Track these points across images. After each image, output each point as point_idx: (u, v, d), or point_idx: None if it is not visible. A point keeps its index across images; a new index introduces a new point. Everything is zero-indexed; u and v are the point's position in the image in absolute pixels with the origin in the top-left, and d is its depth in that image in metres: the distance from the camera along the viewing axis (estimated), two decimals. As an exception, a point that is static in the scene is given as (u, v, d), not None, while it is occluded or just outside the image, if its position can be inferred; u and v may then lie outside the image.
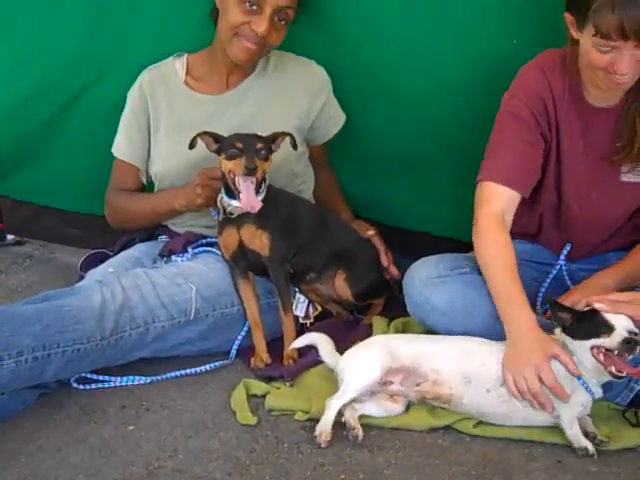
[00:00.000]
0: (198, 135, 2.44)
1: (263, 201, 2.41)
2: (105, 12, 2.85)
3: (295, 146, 2.52)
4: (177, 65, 2.80)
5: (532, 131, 2.34)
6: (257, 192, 2.39)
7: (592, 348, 2.09)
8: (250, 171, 2.31)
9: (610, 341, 2.06)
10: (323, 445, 2.11)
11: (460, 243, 2.63)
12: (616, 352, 2.06)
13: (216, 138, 2.43)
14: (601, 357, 2.08)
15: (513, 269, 2.24)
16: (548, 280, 2.56)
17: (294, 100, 2.74)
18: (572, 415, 2.10)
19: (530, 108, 2.33)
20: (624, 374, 2.07)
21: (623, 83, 2.18)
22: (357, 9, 2.68)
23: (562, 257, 2.55)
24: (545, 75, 2.34)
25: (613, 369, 2.07)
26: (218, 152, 2.42)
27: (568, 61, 2.30)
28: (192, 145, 2.44)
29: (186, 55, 2.82)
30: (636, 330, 2.07)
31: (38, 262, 3.54)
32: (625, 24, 2.01)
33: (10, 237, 3.74)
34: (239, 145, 2.36)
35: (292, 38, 2.71)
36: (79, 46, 2.94)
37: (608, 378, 2.12)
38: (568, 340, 2.15)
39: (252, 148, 2.35)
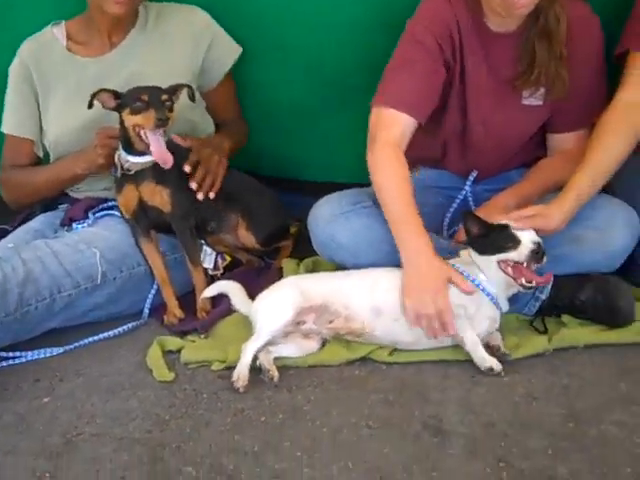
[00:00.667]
0: (96, 93, 2.37)
1: None
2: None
3: (193, 98, 2.47)
4: (56, 32, 2.71)
5: (434, 59, 2.33)
6: None
7: (499, 262, 2.14)
8: (162, 122, 2.28)
9: (518, 254, 2.12)
10: (241, 390, 2.11)
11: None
12: (524, 264, 2.11)
13: (116, 94, 2.37)
14: (509, 270, 2.13)
15: (410, 198, 2.23)
16: (454, 205, 2.59)
17: (178, 49, 2.68)
18: (474, 338, 2.13)
19: (434, 35, 2.32)
20: (533, 284, 2.13)
21: (521, 7, 2.17)
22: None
23: (468, 184, 2.57)
24: (450, 3, 2.34)
25: (523, 280, 2.12)
26: (118, 108, 2.37)
27: None
28: (90, 105, 2.37)
29: (64, 22, 2.73)
30: (539, 240, 2.13)
31: None
32: None
33: None
34: (144, 98, 2.31)
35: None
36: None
37: (515, 290, 2.18)
38: (476, 257, 2.19)
39: (158, 100, 2.31)
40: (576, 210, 2.22)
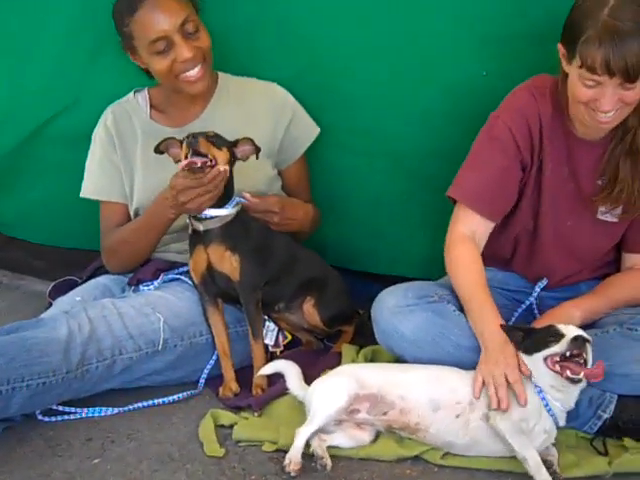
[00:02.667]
0: (166, 139, 2.44)
1: (233, 223, 2.42)
2: (73, 44, 2.83)
3: (257, 154, 2.44)
4: (140, 99, 2.77)
5: (510, 157, 2.32)
6: (225, 199, 2.40)
7: (545, 359, 2.11)
8: (190, 142, 2.28)
9: (560, 346, 2.09)
10: (293, 474, 2.08)
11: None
12: (568, 354, 2.07)
13: (180, 141, 2.40)
14: (557, 367, 2.10)
15: (482, 284, 2.27)
16: (519, 310, 2.55)
17: (258, 124, 2.71)
18: (537, 459, 2.07)
19: (512, 132, 2.30)
20: (580, 376, 2.08)
21: (605, 122, 2.16)
22: (330, 44, 2.69)
23: (535, 293, 2.53)
24: (535, 99, 2.32)
25: (569, 372, 2.08)
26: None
27: (560, 89, 2.26)
28: (158, 149, 2.44)
29: (147, 89, 2.79)
30: (583, 333, 2.11)
31: (6, 289, 3.51)
32: (611, 59, 2.00)
33: (-22, 264, 3.71)
34: (190, 135, 2.33)
35: (265, 73, 2.75)
36: (47, 76, 2.93)
37: (572, 394, 2.14)
38: (526, 360, 2.16)
39: (200, 134, 2.32)
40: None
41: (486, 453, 2.18)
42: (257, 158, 2.45)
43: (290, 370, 2.37)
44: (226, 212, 2.43)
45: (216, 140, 2.36)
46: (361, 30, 2.66)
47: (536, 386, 2.14)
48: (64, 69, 2.81)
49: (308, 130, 2.82)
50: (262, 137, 2.67)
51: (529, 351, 2.16)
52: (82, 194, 2.82)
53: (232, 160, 2.42)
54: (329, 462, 2.13)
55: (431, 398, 2.19)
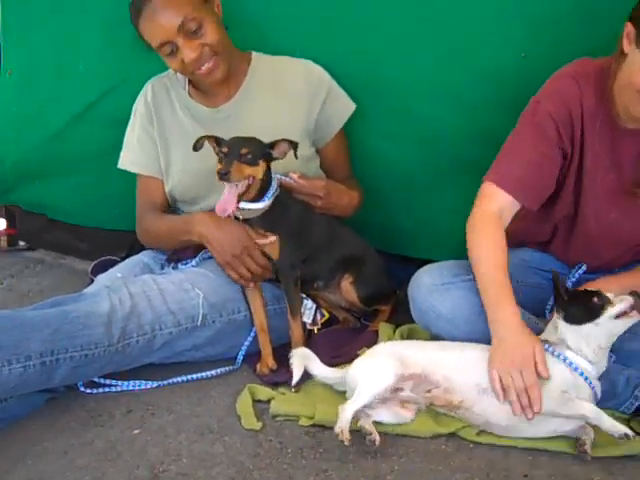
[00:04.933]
0: (203, 137, 2.45)
1: (273, 206, 2.44)
2: (117, 25, 2.85)
3: (296, 153, 2.43)
4: (179, 75, 2.78)
5: (551, 145, 2.28)
6: (260, 195, 2.41)
7: (617, 317, 2.13)
8: (221, 176, 2.30)
9: (625, 301, 2.14)
10: (347, 443, 2.07)
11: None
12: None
13: (217, 141, 2.43)
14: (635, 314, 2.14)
15: (504, 267, 2.23)
16: None
17: (293, 103, 2.72)
18: (594, 407, 2.08)
19: (554, 120, 2.25)
20: None
21: None
22: (374, 27, 2.70)
23: (572, 279, 2.50)
24: (579, 86, 2.24)
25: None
26: None
27: (613, 69, 2.15)
28: (196, 147, 2.45)
29: None
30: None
31: (49, 267, 3.59)
32: None
33: (22, 243, 3.79)
34: (225, 150, 2.35)
35: (304, 56, 2.75)
36: (93, 58, 3.00)
37: (604, 361, 2.17)
38: (569, 331, 2.17)
39: (235, 153, 2.33)
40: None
41: (524, 435, 2.18)
42: (296, 157, 2.42)
43: (309, 358, 2.36)
44: (262, 205, 2.44)
45: (251, 157, 2.34)
46: (401, 13, 2.66)
47: (562, 358, 2.15)
48: (110, 51, 2.85)
49: (344, 107, 2.80)
50: (297, 115, 2.71)
51: (578, 319, 2.16)
52: (119, 165, 2.87)
53: (270, 162, 2.42)
54: (377, 437, 2.13)
55: (477, 382, 2.19)
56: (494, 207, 2.30)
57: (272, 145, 2.40)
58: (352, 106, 2.80)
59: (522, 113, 2.34)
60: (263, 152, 2.39)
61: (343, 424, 2.10)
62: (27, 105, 3.22)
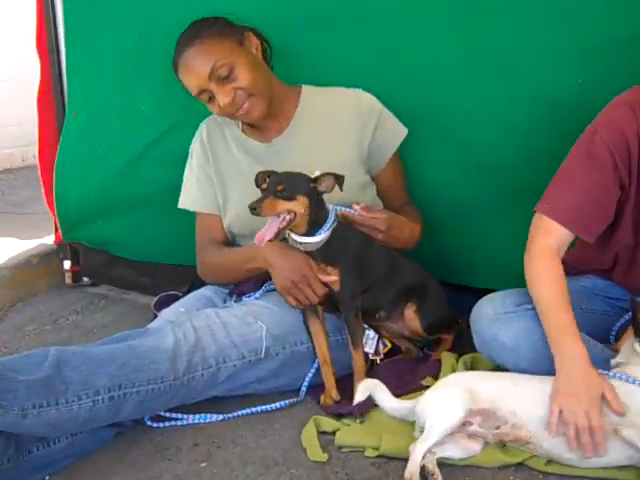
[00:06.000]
0: (260, 173, 2.50)
1: (331, 238, 2.46)
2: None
3: (341, 187, 2.43)
4: None
5: (607, 175, 2.24)
6: (314, 229, 2.44)
7: None
8: (251, 210, 2.32)
9: None
10: None
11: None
12: None
13: (270, 177, 2.47)
14: None
15: (566, 300, 2.21)
16: (626, 317, 2.45)
17: (344, 134, 2.74)
18: None
19: (610, 150, 2.22)
20: None
21: None
22: (427, 55, 2.72)
23: None
24: (635, 114, 2.21)
25: None
26: None
27: None
28: (257, 183, 2.48)
29: None
30: None
31: (112, 302, 3.65)
32: None
33: (85, 279, 3.87)
34: (264, 186, 2.41)
35: (358, 81, 2.78)
36: (155, 97, 3.07)
37: None
38: None
39: (271, 189, 2.37)
40: None
41: (596, 465, 2.12)
42: (341, 190, 2.43)
43: (378, 389, 2.35)
44: (319, 239, 2.46)
45: (287, 192, 2.37)
46: (454, 41, 2.68)
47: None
48: (170, 90, 2.89)
49: (396, 132, 2.81)
50: (350, 145, 2.74)
51: None
52: (180, 205, 2.94)
53: (316, 196, 2.43)
54: (440, 478, 2.10)
55: (542, 416, 2.14)
56: (550, 240, 2.29)
57: (316, 179, 2.43)
58: (404, 131, 2.82)
59: (577, 142, 2.32)
60: (304, 187, 2.41)
61: (413, 468, 2.07)
62: (90, 145, 3.30)
